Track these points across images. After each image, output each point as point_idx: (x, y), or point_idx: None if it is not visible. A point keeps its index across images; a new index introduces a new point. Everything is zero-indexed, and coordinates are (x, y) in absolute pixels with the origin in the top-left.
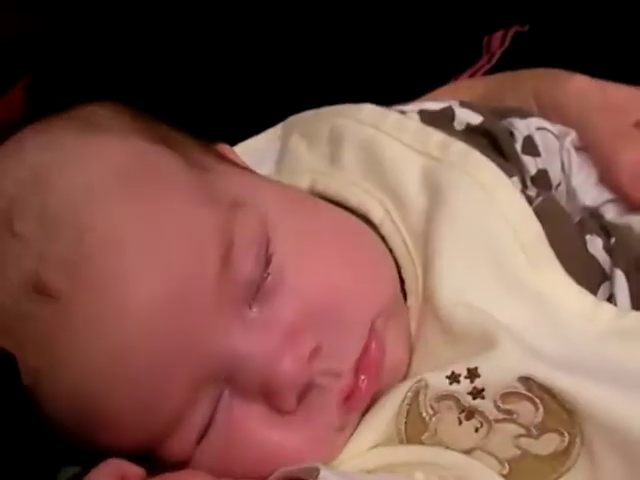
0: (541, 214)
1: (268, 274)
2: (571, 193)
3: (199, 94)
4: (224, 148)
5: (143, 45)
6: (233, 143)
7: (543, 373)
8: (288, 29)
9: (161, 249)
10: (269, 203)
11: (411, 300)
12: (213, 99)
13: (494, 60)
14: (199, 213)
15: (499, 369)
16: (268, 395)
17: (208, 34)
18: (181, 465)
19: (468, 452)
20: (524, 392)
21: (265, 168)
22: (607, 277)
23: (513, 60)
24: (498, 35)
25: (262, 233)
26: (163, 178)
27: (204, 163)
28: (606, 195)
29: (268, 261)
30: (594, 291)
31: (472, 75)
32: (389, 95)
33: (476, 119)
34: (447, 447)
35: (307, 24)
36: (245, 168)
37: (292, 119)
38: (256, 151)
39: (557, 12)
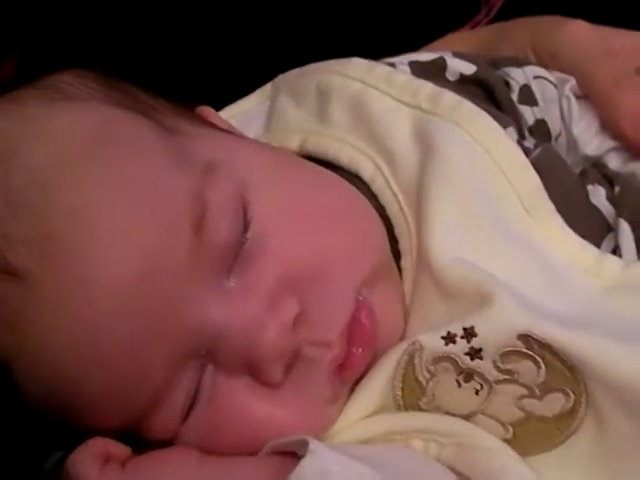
0: (539, 165)
1: (246, 239)
2: (572, 143)
3: (188, 56)
4: (205, 110)
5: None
6: (223, 104)
7: (543, 329)
8: None
9: (130, 221)
10: (250, 166)
11: (406, 260)
12: (202, 58)
13: (493, 12)
14: (170, 180)
15: (497, 327)
16: (252, 367)
17: None
18: (168, 442)
19: (469, 416)
20: (524, 350)
21: (255, 129)
22: (612, 228)
23: (513, 11)
24: None
25: (239, 197)
26: (133, 146)
27: (179, 127)
28: (609, 143)
29: (247, 226)
30: (598, 243)
31: (472, 27)
32: (387, 50)
33: (469, 69)
34: (447, 412)
35: None
36: (227, 131)
37: (280, 78)
38: (246, 112)
39: None
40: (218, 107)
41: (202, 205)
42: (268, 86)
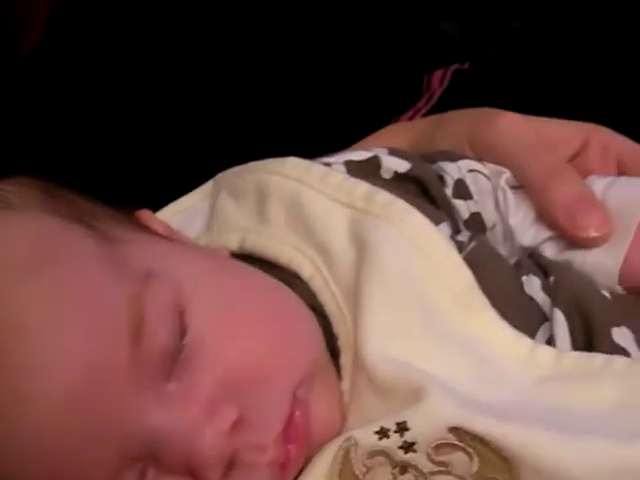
0: (473, 260)
1: (184, 345)
2: (508, 234)
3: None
4: (144, 215)
5: None
6: (166, 201)
7: (473, 423)
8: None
9: (70, 333)
10: (186, 272)
11: (345, 357)
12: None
13: (434, 99)
14: (109, 290)
15: (428, 421)
16: (192, 471)
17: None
18: None
19: None
20: (456, 442)
21: (196, 227)
22: (547, 318)
23: (454, 98)
24: (438, 74)
25: (175, 304)
26: (71, 257)
27: (117, 235)
28: (545, 233)
29: (183, 332)
30: (533, 333)
31: (412, 116)
32: (330, 140)
33: (403, 166)
34: None
35: (242, 71)
36: (164, 236)
37: (220, 176)
38: (188, 210)
39: (496, 48)
40: (163, 203)
41: (139, 313)
42: (209, 184)
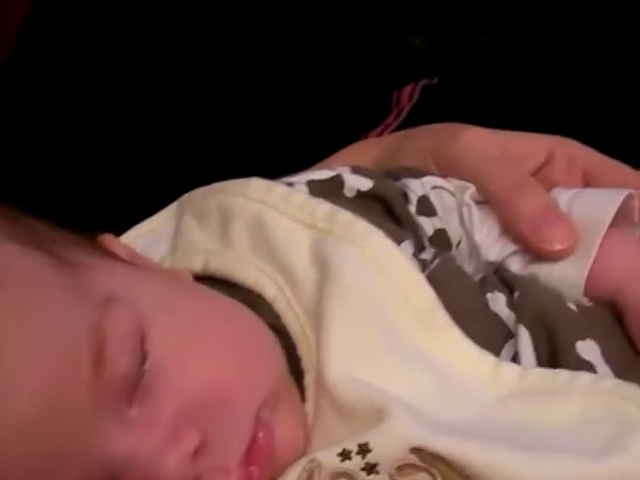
0: (436, 278)
1: (145, 371)
2: (474, 249)
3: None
4: (106, 239)
5: None
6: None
7: (435, 443)
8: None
9: (31, 360)
10: (148, 297)
11: (308, 378)
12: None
13: (403, 114)
14: (70, 317)
15: (390, 442)
16: None
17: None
18: None
19: None
20: (418, 463)
21: (162, 249)
22: (512, 334)
23: (423, 113)
24: (407, 89)
25: (136, 329)
26: (30, 284)
27: (78, 260)
28: (510, 247)
29: (144, 357)
30: (498, 351)
31: (381, 132)
32: (300, 156)
33: (366, 184)
34: None
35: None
36: (125, 260)
37: (185, 197)
38: (153, 231)
39: (464, 62)
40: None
41: (100, 340)
42: (174, 206)
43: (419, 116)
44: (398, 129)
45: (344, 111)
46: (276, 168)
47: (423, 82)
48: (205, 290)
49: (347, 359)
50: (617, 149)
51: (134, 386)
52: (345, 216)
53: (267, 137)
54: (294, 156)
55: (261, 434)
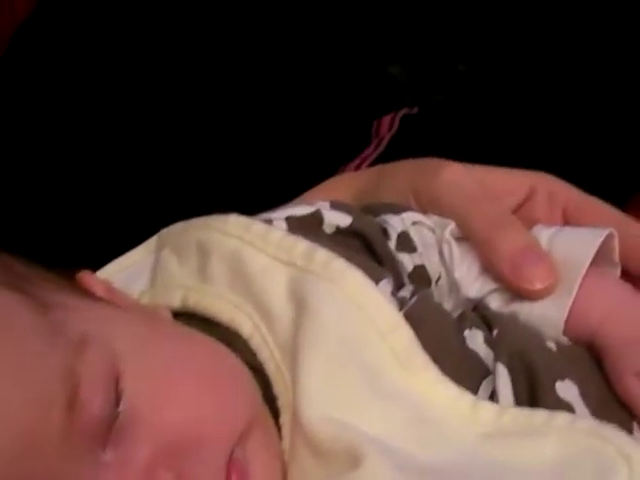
0: (414, 316)
1: (119, 412)
2: (454, 286)
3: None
4: (83, 277)
5: None
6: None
7: None
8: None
9: (3, 404)
10: (123, 336)
11: (284, 417)
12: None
13: (383, 145)
14: (43, 359)
15: None
16: None
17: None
18: None
19: None
20: None
21: (140, 284)
22: (490, 371)
23: (403, 144)
24: (387, 119)
25: (110, 370)
26: (7, 327)
27: (53, 300)
28: (490, 285)
29: (119, 398)
30: (475, 388)
31: (360, 164)
32: (277, 188)
33: (345, 221)
34: None
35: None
36: (102, 298)
37: (164, 232)
38: (133, 265)
39: (443, 92)
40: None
41: (74, 382)
42: (153, 239)
43: (398, 147)
44: (378, 159)
45: (323, 140)
46: (254, 196)
47: (403, 112)
48: (182, 329)
49: (323, 398)
50: (597, 185)
51: (109, 427)
52: (323, 254)
53: (244, 167)
54: (273, 188)
55: (235, 475)
